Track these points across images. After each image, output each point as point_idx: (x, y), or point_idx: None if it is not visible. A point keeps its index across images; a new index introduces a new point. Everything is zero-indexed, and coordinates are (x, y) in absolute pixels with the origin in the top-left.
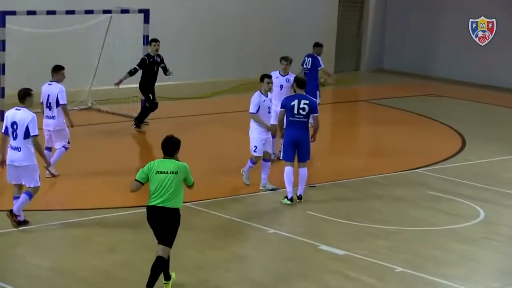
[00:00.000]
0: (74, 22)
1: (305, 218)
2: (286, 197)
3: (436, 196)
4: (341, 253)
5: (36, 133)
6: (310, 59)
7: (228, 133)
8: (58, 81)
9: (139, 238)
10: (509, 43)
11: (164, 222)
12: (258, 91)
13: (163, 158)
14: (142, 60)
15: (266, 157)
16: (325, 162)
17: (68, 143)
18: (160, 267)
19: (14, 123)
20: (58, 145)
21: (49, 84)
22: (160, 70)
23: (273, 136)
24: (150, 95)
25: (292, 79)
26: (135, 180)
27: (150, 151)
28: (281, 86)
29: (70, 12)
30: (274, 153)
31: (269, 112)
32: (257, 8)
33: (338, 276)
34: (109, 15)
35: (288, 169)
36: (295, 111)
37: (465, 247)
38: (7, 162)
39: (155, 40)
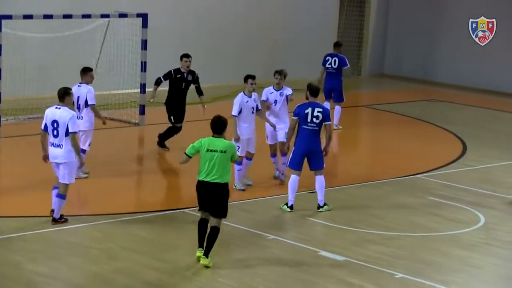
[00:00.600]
0: (71, 27)
1: (305, 224)
2: (287, 204)
3: (437, 202)
4: (341, 259)
5: (76, 130)
6: (335, 58)
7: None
8: (87, 83)
9: (138, 245)
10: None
11: (214, 196)
12: (242, 92)
13: (212, 136)
14: (168, 72)
15: (248, 156)
16: (326, 168)
17: (89, 145)
18: (215, 235)
19: (54, 121)
20: (85, 147)
21: (78, 86)
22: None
23: (273, 155)
24: (172, 117)
25: (286, 93)
26: (185, 153)
27: (147, 157)
28: (275, 102)
29: (68, 16)
30: (278, 170)
31: (252, 113)
32: (257, 13)
33: (338, 282)
34: (107, 19)
35: (293, 178)
36: (309, 119)
37: (466, 253)
38: (50, 159)
39: (187, 56)
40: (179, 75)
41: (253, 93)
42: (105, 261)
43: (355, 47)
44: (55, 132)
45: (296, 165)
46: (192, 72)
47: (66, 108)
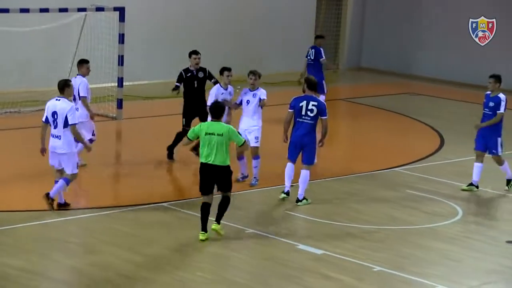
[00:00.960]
0: (48, 21)
1: (283, 218)
2: (283, 191)
3: (415, 195)
4: (319, 252)
5: (75, 122)
6: (313, 50)
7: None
8: (83, 75)
9: (117, 239)
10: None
11: (215, 177)
12: (218, 84)
13: (212, 120)
14: (179, 74)
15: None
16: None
17: (93, 135)
18: (225, 204)
19: (54, 113)
20: (90, 136)
21: (74, 78)
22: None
23: (241, 157)
24: (184, 119)
25: (260, 95)
26: (186, 137)
27: (126, 151)
28: (248, 102)
29: (44, 10)
30: (243, 174)
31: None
32: (233, 6)
33: (316, 276)
34: (83, 13)
35: (288, 165)
36: (303, 113)
37: (444, 246)
38: (50, 150)
39: (195, 52)
40: (189, 74)
41: (229, 86)
42: (83, 255)
43: (333, 41)
44: (54, 123)
45: (290, 156)
46: (202, 69)
47: (66, 100)
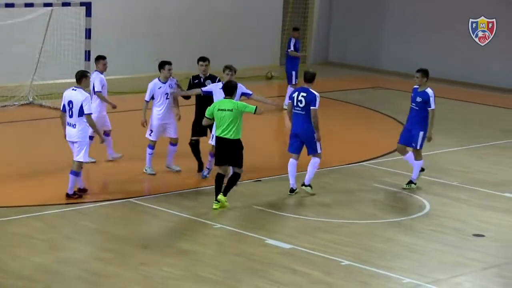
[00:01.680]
0: (14, 16)
1: (251, 212)
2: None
3: (382, 189)
4: (287, 247)
5: (90, 111)
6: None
7: None
8: (100, 71)
9: (83, 235)
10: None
11: (229, 150)
12: (157, 78)
13: (224, 98)
14: (189, 81)
15: (172, 142)
16: (271, 157)
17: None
18: (235, 179)
19: (70, 102)
20: (108, 128)
21: (92, 73)
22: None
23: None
24: (192, 129)
25: (240, 90)
26: (205, 116)
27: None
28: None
29: (10, 5)
30: (208, 168)
31: (167, 99)
32: (200, 1)
33: (284, 270)
34: (50, 8)
35: (290, 161)
36: (295, 103)
37: (411, 239)
38: (66, 138)
39: (203, 59)
40: (196, 81)
41: (170, 79)
42: (49, 252)
43: (300, 35)
44: (70, 112)
45: (290, 148)
46: (211, 77)
47: (82, 90)
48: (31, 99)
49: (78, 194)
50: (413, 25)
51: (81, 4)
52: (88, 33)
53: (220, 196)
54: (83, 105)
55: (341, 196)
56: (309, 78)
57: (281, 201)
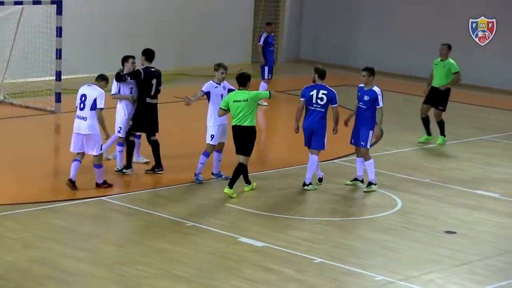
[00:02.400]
0: None
1: (224, 210)
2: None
3: (353, 186)
4: (260, 245)
5: (102, 106)
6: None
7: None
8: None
9: (56, 234)
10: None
11: (243, 137)
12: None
13: (238, 89)
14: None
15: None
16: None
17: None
18: (240, 171)
19: (83, 95)
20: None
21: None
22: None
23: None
24: (137, 122)
25: (228, 86)
26: (220, 108)
27: (65, 145)
28: (222, 96)
29: None
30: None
31: (131, 93)
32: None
33: (257, 268)
34: (20, 6)
35: (311, 158)
36: (314, 101)
37: (383, 236)
38: (73, 132)
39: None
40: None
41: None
42: (21, 251)
43: (274, 29)
44: (81, 105)
45: (307, 144)
46: (134, 73)
47: (97, 87)
48: (2, 98)
49: (108, 184)
50: (385, 23)
51: (52, 2)
52: (59, 31)
53: (227, 190)
54: (97, 99)
55: (313, 194)
56: (323, 74)
57: (254, 199)
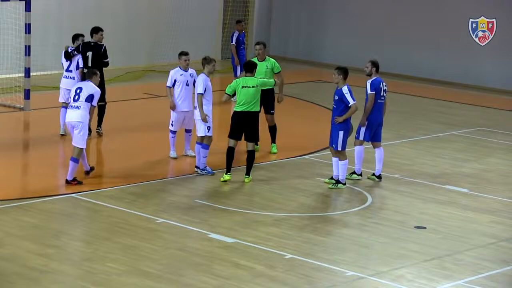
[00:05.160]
0: None
1: (193, 207)
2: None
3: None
4: (230, 241)
5: (96, 105)
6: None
7: (112, 123)
8: (183, 69)
9: (24, 231)
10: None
11: (253, 123)
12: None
13: (245, 75)
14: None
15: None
16: (213, 150)
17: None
18: (253, 157)
19: (79, 88)
20: None
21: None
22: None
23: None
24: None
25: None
26: (225, 93)
27: (33, 141)
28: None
29: None
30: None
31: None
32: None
33: (227, 264)
34: None
35: (361, 149)
36: (381, 93)
37: (354, 232)
38: (66, 120)
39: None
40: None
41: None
42: None
43: (244, 27)
44: (76, 97)
45: (367, 138)
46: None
47: (93, 84)
48: None
49: (77, 181)
50: (353, 18)
51: None
52: (27, 28)
53: (247, 179)
54: (94, 95)
55: (283, 190)
56: (379, 67)
57: (224, 195)
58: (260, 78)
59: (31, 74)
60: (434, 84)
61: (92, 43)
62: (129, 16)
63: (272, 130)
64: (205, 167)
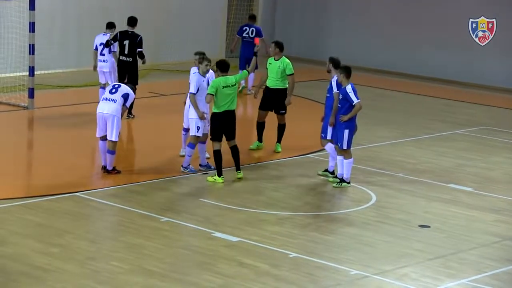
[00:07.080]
0: None
1: (198, 205)
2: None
3: (326, 180)
4: (234, 240)
5: (127, 106)
6: (253, 28)
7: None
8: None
9: (29, 230)
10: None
11: (233, 121)
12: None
13: (222, 75)
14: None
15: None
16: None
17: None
18: (238, 152)
19: (118, 84)
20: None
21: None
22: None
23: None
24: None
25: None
26: (208, 94)
27: (38, 140)
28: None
29: None
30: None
31: None
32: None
33: (231, 263)
34: None
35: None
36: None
37: (358, 231)
38: (98, 111)
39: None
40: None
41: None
42: None
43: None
44: (113, 90)
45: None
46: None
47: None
48: None
49: (117, 170)
50: (359, 18)
51: None
52: (31, 27)
53: (238, 174)
54: (129, 96)
55: (288, 189)
56: None
57: (228, 194)
58: (237, 75)
59: (35, 73)
60: (438, 82)
61: (130, 32)
62: (134, 14)
63: (280, 128)
64: (188, 165)
